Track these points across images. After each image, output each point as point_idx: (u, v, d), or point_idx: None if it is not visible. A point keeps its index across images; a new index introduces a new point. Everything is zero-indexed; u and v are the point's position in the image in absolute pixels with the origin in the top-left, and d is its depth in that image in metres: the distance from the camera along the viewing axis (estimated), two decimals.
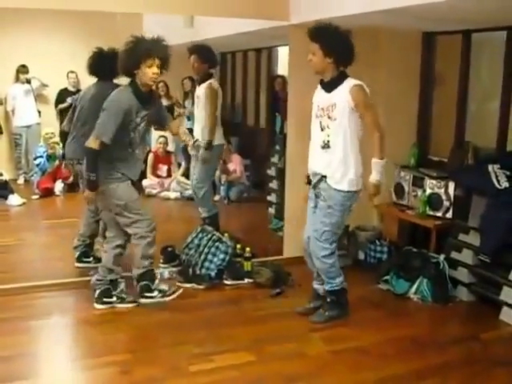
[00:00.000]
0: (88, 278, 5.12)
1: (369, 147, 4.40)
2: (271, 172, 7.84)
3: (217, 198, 8.21)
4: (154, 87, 4.84)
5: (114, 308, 4.81)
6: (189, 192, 8.53)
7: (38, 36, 9.72)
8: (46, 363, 4.07)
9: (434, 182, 5.58)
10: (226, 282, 5.41)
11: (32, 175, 9.36)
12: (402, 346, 4.34)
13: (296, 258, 5.57)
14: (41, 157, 9.07)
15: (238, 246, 5.65)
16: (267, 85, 9.45)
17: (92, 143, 4.46)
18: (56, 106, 9.98)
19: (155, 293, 4.84)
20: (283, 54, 8.36)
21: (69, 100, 9.63)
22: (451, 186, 5.45)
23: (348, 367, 4.01)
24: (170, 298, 4.89)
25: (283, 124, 6.80)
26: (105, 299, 4.82)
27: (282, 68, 8.84)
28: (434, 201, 5.54)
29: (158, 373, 3.85)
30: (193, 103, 6.54)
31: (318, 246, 4.51)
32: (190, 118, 6.98)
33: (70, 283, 5.28)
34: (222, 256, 5.44)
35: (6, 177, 8.80)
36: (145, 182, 8.84)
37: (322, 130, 4.41)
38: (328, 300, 4.66)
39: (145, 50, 4.44)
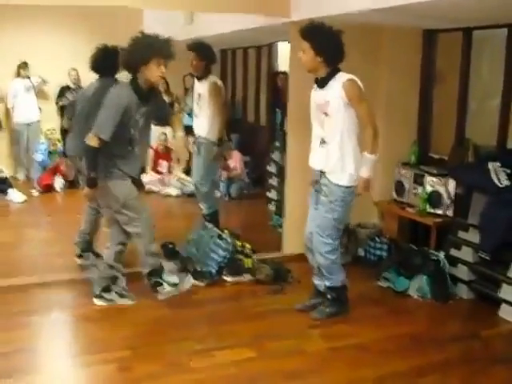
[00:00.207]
0: (88, 274, 5.13)
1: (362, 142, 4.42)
2: (271, 169, 7.84)
3: (217, 194, 8.22)
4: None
5: (114, 304, 4.81)
6: (189, 188, 8.56)
7: (39, 33, 9.73)
8: (46, 359, 4.08)
9: (434, 179, 5.58)
10: (227, 278, 5.41)
11: (32, 172, 9.36)
12: (402, 343, 4.35)
13: (296, 254, 5.59)
14: (41, 153, 9.08)
15: (238, 242, 5.66)
16: (267, 81, 9.46)
17: (91, 140, 4.45)
18: (57, 102, 9.98)
19: (167, 287, 4.82)
20: (283, 49, 8.36)
21: (69, 97, 9.64)
22: (451, 183, 5.45)
23: (347, 364, 4.01)
24: (183, 289, 4.88)
25: (283, 120, 6.81)
26: (104, 295, 4.82)
27: (282, 64, 8.85)
28: (434, 198, 5.54)
29: (158, 369, 3.85)
30: (193, 99, 6.55)
31: (320, 242, 4.52)
32: (191, 114, 6.99)
33: (70, 279, 5.29)
34: (222, 253, 5.44)
35: (6, 173, 8.81)
36: (145, 179, 8.83)
37: (320, 126, 4.44)
38: (328, 297, 4.67)
39: (158, 48, 4.45)
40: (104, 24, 8.15)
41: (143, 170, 7.71)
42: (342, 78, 4.31)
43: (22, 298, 4.92)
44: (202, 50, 6.13)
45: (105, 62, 5.37)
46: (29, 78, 9.75)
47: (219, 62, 9.80)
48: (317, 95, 4.44)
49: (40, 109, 9.89)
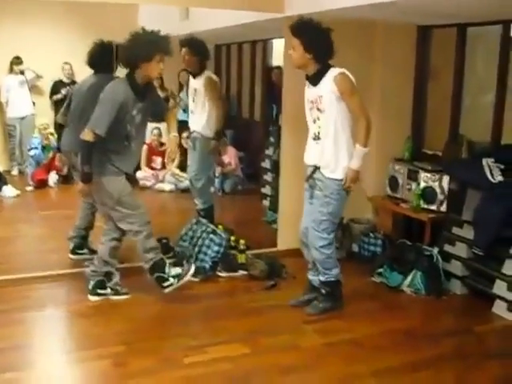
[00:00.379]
0: (82, 270, 5.13)
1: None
2: (266, 164, 7.85)
3: (211, 190, 8.22)
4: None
5: (108, 300, 4.81)
6: (183, 184, 8.56)
7: (32, 27, 9.65)
8: (40, 355, 4.07)
9: (428, 175, 5.58)
10: (221, 274, 5.42)
11: (26, 166, 9.32)
12: (396, 338, 4.36)
13: (290, 250, 5.60)
14: (35, 148, 9.03)
15: (233, 238, 5.66)
16: (262, 77, 9.44)
17: (86, 135, 4.43)
18: (50, 97, 9.95)
19: (171, 279, 4.78)
20: (278, 46, 8.34)
21: (63, 91, 9.63)
22: (445, 179, 5.45)
23: (342, 359, 4.02)
24: (187, 278, 4.82)
25: (278, 115, 6.82)
26: (99, 291, 4.82)
27: (277, 60, 8.84)
28: (428, 194, 5.54)
29: (152, 364, 3.86)
30: (188, 95, 6.54)
31: (316, 236, 4.53)
32: (186, 109, 6.99)
33: (64, 275, 5.29)
34: (216, 248, 5.44)
35: (0, 168, 8.78)
36: (139, 174, 8.82)
37: (314, 122, 4.46)
38: (323, 291, 4.68)
39: (161, 45, 4.45)
40: (98, 18, 8.10)
41: (138, 167, 7.69)
42: (332, 72, 4.32)
43: (16, 294, 4.91)
44: (193, 45, 6.11)
45: (102, 57, 5.37)
46: (22, 72, 9.71)
47: (214, 57, 9.80)
48: (310, 92, 4.45)
49: (34, 103, 9.86)
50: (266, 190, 7.78)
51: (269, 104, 8.94)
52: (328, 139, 4.38)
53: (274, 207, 6.64)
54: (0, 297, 4.84)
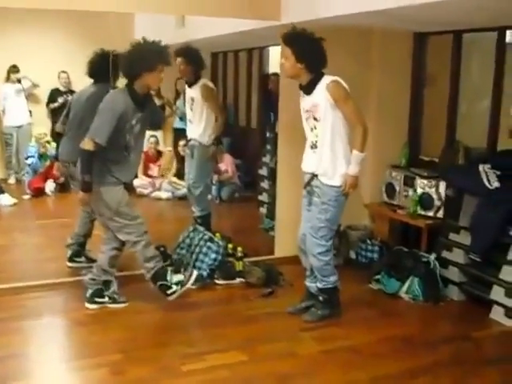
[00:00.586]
0: (79, 278, 5.12)
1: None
2: (263, 172, 7.85)
3: (208, 197, 8.22)
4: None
5: (106, 308, 4.80)
6: (180, 192, 8.56)
7: (29, 36, 9.68)
8: (38, 364, 4.05)
9: (425, 181, 5.59)
10: (218, 281, 5.41)
11: (23, 175, 9.31)
12: (394, 345, 4.35)
13: (287, 257, 5.60)
14: (32, 156, 9.04)
15: (230, 245, 5.66)
16: (259, 84, 9.46)
17: (86, 144, 4.42)
18: (47, 105, 9.97)
19: (174, 287, 4.77)
20: (275, 53, 8.36)
21: (60, 100, 9.64)
22: (442, 185, 5.47)
23: (340, 367, 4.02)
24: (190, 284, 4.82)
25: (275, 123, 6.83)
26: (96, 299, 4.81)
27: (274, 68, 8.85)
28: (425, 200, 5.55)
29: (149, 373, 3.84)
30: (185, 103, 6.55)
31: (313, 243, 4.53)
32: (183, 118, 7.00)
33: (61, 283, 5.28)
34: (213, 256, 5.44)
35: None
36: (136, 182, 8.81)
37: (311, 130, 4.47)
38: (320, 299, 4.68)
39: (164, 55, 4.48)
40: (95, 27, 8.11)
41: (135, 175, 7.68)
42: (325, 80, 4.34)
43: (13, 303, 4.90)
44: (188, 55, 6.12)
45: (101, 67, 5.37)
46: (19, 81, 9.72)
47: (210, 65, 9.82)
48: (305, 102, 4.46)
49: (30, 112, 9.86)
50: (263, 197, 7.78)
51: (266, 111, 8.95)
52: (325, 147, 4.39)
53: (271, 214, 6.64)
54: None
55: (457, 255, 5.16)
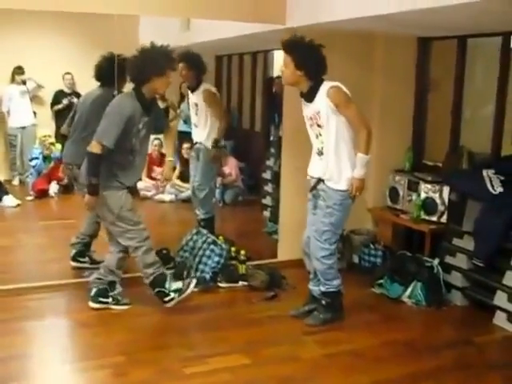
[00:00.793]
0: (82, 280, 5.13)
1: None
2: (266, 175, 7.85)
3: (213, 200, 8.23)
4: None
5: (109, 310, 4.80)
6: (184, 194, 8.56)
7: (34, 37, 9.69)
8: (41, 365, 4.05)
9: (428, 186, 5.59)
10: (221, 284, 5.41)
11: (27, 176, 9.33)
12: (396, 349, 4.35)
13: (291, 261, 5.60)
14: (36, 158, 9.06)
15: (233, 248, 5.66)
16: (263, 88, 9.46)
17: (94, 147, 4.43)
18: (52, 107, 9.97)
19: (172, 294, 4.78)
20: (279, 57, 8.36)
21: (64, 101, 9.66)
22: (446, 190, 5.46)
23: (342, 371, 4.01)
24: (188, 292, 4.82)
25: (279, 126, 6.84)
26: (100, 299, 4.80)
27: (278, 71, 8.84)
28: (428, 205, 5.55)
29: (152, 375, 3.85)
30: (189, 107, 6.56)
31: (317, 247, 4.53)
32: (187, 121, 7.01)
33: (65, 285, 5.28)
34: (216, 259, 5.44)
35: (1, 178, 8.78)
36: (140, 185, 8.81)
37: (317, 137, 4.48)
38: (323, 302, 4.67)
39: (172, 60, 4.52)
40: (100, 29, 8.10)
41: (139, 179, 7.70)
42: (325, 86, 4.34)
43: (16, 304, 4.90)
44: (190, 60, 6.13)
45: (109, 71, 5.38)
46: (24, 82, 9.73)
47: (214, 68, 9.83)
48: (307, 109, 4.47)
49: (35, 113, 9.88)
50: (267, 200, 7.78)
51: (270, 114, 8.96)
52: (331, 153, 4.39)
53: (275, 218, 6.64)
54: (0, 306, 4.83)
55: (460, 260, 5.15)
